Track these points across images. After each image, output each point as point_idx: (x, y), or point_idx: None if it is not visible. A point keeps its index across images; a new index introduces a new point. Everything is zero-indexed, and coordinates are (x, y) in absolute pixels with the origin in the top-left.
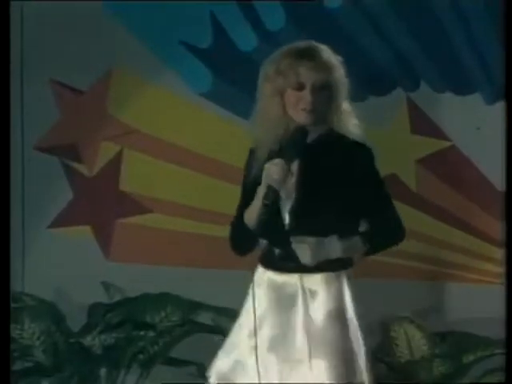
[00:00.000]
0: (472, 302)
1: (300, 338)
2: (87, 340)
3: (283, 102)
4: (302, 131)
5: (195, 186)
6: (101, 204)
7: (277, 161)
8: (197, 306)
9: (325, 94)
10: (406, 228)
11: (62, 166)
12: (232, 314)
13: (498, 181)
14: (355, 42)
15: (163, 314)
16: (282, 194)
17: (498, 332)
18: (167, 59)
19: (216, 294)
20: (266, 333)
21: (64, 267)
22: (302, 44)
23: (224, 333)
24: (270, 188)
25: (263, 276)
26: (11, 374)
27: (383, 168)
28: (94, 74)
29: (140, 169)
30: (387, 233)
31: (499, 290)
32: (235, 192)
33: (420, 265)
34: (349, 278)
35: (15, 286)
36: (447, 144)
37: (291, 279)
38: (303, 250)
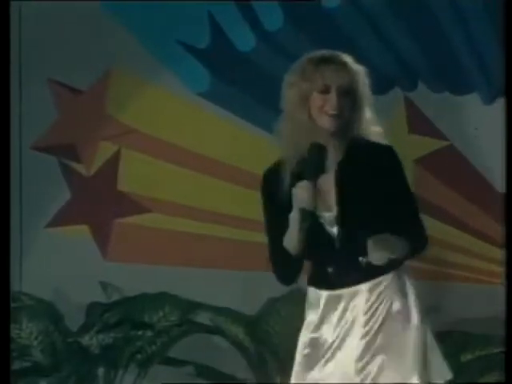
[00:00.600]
0: (470, 302)
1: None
2: (85, 340)
3: (309, 106)
4: (319, 147)
5: (193, 185)
6: (99, 204)
7: (302, 183)
8: (195, 306)
9: (349, 98)
10: None
11: (60, 166)
12: (230, 314)
13: (496, 180)
14: (353, 42)
15: (161, 314)
16: (323, 212)
17: (496, 331)
18: (165, 59)
19: (214, 293)
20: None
21: (62, 267)
22: (325, 51)
23: (222, 333)
24: (303, 211)
25: (318, 296)
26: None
27: None
28: (92, 74)
29: (138, 168)
30: (417, 241)
31: (498, 290)
32: (234, 191)
33: (418, 264)
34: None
35: (13, 285)
36: (445, 144)
37: (350, 292)
38: (376, 248)
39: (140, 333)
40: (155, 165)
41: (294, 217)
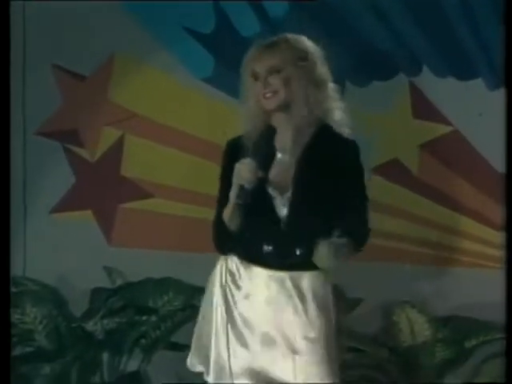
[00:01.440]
0: (474, 287)
1: (289, 335)
2: (89, 325)
3: (254, 92)
4: (268, 128)
5: (197, 170)
6: (103, 189)
7: (246, 160)
8: (199, 291)
9: (282, 76)
10: (409, 211)
11: (64, 151)
12: None
13: (500, 166)
14: (357, 28)
15: (165, 299)
16: (276, 190)
17: (500, 317)
18: (170, 44)
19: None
20: (257, 329)
21: (66, 252)
22: (267, 39)
23: None
24: (241, 188)
25: (240, 268)
26: (12, 359)
27: (385, 153)
28: (96, 60)
29: (142, 154)
30: (359, 236)
31: (501, 275)
32: None
33: (422, 249)
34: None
35: (17, 270)
36: (449, 129)
37: (279, 275)
38: (324, 255)
39: (144, 318)
40: (159, 150)
41: (232, 192)
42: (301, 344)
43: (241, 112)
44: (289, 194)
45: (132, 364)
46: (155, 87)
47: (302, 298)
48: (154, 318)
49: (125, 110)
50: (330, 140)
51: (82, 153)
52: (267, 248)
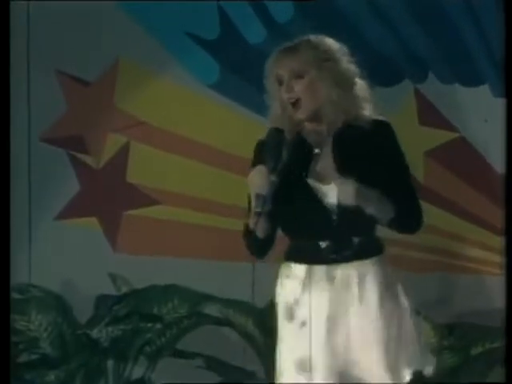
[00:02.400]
0: (480, 294)
1: (357, 326)
2: (94, 332)
3: (280, 98)
4: (274, 132)
5: (202, 177)
6: (108, 196)
7: (257, 167)
8: (204, 298)
9: (302, 82)
10: None
11: (68, 158)
12: (239, 306)
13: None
14: (363, 33)
15: (170, 306)
16: (319, 183)
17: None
18: (175, 51)
19: (224, 285)
20: (321, 324)
21: (71, 259)
22: (288, 43)
23: (231, 325)
24: (257, 196)
25: (299, 271)
26: (17, 366)
27: None
28: (100, 66)
29: (147, 160)
30: (410, 218)
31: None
32: (243, 183)
33: (428, 256)
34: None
35: (22, 277)
36: (455, 136)
37: (344, 269)
38: (346, 187)
39: (149, 325)
40: (164, 157)
41: (251, 201)
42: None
43: (270, 118)
44: (333, 184)
45: (137, 371)
46: (160, 93)
47: (365, 286)
48: (159, 326)
49: (130, 117)
50: (363, 123)
51: (87, 159)
52: (323, 244)
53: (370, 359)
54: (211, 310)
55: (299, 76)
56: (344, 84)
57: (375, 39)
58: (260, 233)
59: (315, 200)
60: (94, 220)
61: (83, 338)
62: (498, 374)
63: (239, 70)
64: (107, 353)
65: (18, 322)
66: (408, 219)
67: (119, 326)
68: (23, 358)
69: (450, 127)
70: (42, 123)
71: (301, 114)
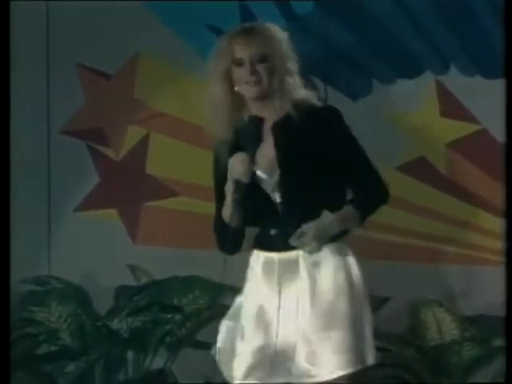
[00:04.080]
0: (502, 286)
1: (309, 313)
2: (114, 323)
3: (230, 79)
4: (254, 119)
5: None
6: (127, 187)
7: (238, 154)
8: (225, 289)
9: (266, 65)
10: (436, 210)
11: (88, 150)
12: None
13: None
14: (384, 25)
15: (191, 297)
16: (264, 176)
17: None
18: (195, 43)
19: (243, 276)
20: (274, 311)
21: (91, 250)
22: (245, 24)
23: None
24: (238, 182)
25: (259, 259)
26: (37, 357)
27: (412, 151)
28: (120, 58)
29: (166, 152)
30: (373, 196)
31: None
32: None
33: (449, 248)
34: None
35: (42, 269)
36: (477, 128)
37: (293, 256)
38: (305, 241)
39: (169, 316)
40: (184, 148)
41: (228, 188)
42: (318, 326)
43: (207, 96)
44: (277, 174)
45: (157, 362)
46: (180, 85)
47: (315, 274)
48: (179, 317)
49: (150, 109)
50: (306, 111)
51: (107, 151)
52: (273, 232)
53: (309, 347)
54: (231, 301)
55: (262, 60)
56: (290, 72)
57: (396, 31)
58: (234, 222)
59: (261, 189)
60: (113, 212)
61: (103, 329)
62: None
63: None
64: (127, 344)
65: (37, 313)
66: (371, 201)
67: (139, 317)
68: (43, 349)
69: (472, 119)
70: (61, 116)
71: (254, 94)
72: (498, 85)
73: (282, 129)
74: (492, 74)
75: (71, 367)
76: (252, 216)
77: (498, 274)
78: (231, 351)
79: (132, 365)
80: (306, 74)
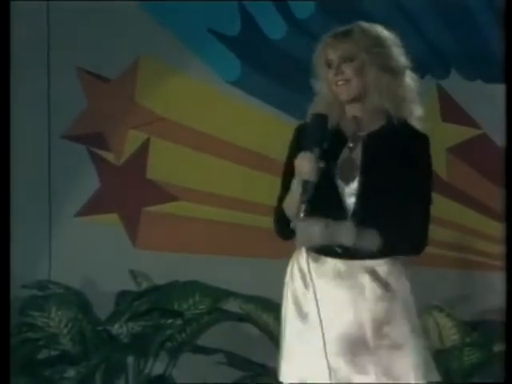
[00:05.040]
0: (503, 291)
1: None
2: (115, 328)
3: (328, 81)
4: (318, 118)
5: (223, 174)
6: (128, 192)
7: (304, 154)
8: (225, 294)
9: (352, 65)
10: (437, 215)
11: (89, 155)
12: (260, 302)
13: None
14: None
15: (191, 302)
16: (342, 181)
17: None
18: (195, 47)
19: (244, 281)
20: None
21: (91, 255)
22: (340, 28)
23: (252, 321)
24: (305, 183)
25: (310, 263)
26: (37, 362)
27: None
28: (121, 63)
29: (167, 157)
30: (406, 240)
31: None
32: (263, 180)
33: (450, 253)
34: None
35: (42, 274)
36: (478, 132)
37: (352, 265)
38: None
39: (170, 321)
40: (184, 153)
41: (295, 186)
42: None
43: (316, 100)
44: (355, 184)
45: (157, 367)
46: (181, 90)
47: (376, 286)
48: (179, 322)
49: (150, 113)
50: (400, 130)
51: (108, 156)
52: None
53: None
54: (232, 305)
55: (349, 59)
56: (393, 71)
57: (397, 35)
58: (291, 214)
59: (336, 195)
60: (114, 216)
61: (103, 334)
62: None
63: (260, 66)
64: (127, 349)
65: (38, 318)
66: (405, 244)
67: (140, 321)
68: (43, 354)
69: (473, 124)
70: (62, 120)
71: (346, 95)
72: (499, 89)
73: (375, 139)
74: (493, 78)
75: (71, 372)
76: (320, 214)
77: (498, 279)
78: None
79: (132, 370)
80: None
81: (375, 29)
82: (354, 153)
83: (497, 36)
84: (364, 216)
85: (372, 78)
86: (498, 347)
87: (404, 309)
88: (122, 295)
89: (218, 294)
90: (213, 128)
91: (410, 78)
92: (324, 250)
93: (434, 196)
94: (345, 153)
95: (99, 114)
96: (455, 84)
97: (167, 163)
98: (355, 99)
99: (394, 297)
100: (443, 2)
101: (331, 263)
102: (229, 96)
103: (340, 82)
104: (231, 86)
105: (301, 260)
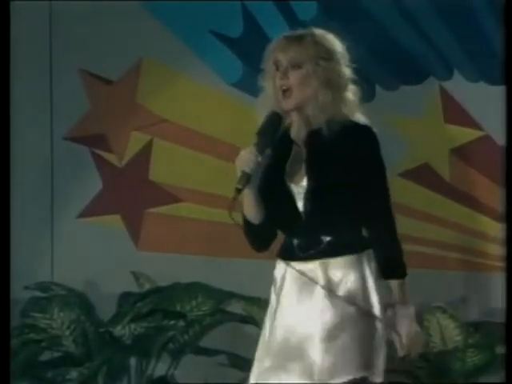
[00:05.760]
0: (506, 292)
1: (319, 325)
2: (117, 329)
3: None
4: (273, 116)
5: (225, 175)
6: (131, 194)
7: (249, 148)
8: (228, 296)
9: (298, 72)
10: (439, 216)
11: (91, 156)
12: (263, 304)
13: None
14: (388, 31)
15: (194, 304)
16: (292, 184)
17: None
18: (197, 49)
19: (246, 283)
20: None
21: (94, 256)
22: (296, 31)
23: (255, 322)
24: (242, 173)
25: (282, 269)
26: (40, 363)
27: (416, 157)
28: (123, 64)
29: (169, 159)
30: (382, 236)
31: None
32: None
33: (453, 254)
34: (371, 260)
35: (44, 275)
36: (480, 134)
37: (311, 266)
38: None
39: (172, 322)
40: (187, 155)
41: (239, 181)
42: (326, 332)
43: (258, 100)
44: (304, 184)
45: (160, 369)
46: (183, 92)
47: (331, 284)
48: (182, 323)
49: (153, 115)
50: (344, 126)
51: (110, 158)
52: (295, 241)
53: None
54: (235, 307)
55: (297, 66)
56: (334, 86)
57: (400, 37)
58: (252, 216)
59: (288, 197)
60: (116, 218)
61: (106, 335)
62: None
63: (263, 69)
64: (130, 350)
65: (40, 320)
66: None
67: (142, 323)
68: (46, 355)
69: (476, 125)
70: (65, 122)
71: (288, 104)
72: (502, 91)
73: (315, 140)
74: (496, 79)
75: (74, 374)
76: (276, 220)
77: (502, 279)
78: None
79: (135, 371)
80: None
81: (327, 39)
82: (299, 154)
83: (500, 37)
84: (315, 214)
85: (313, 89)
86: (501, 348)
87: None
88: (125, 297)
89: (221, 296)
90: (215, 129)
91: (351, 93)
92: (288, 255)
93: (437, 197)
94: (293, 155)
95: (101, 115)
96: (458, 85)
97: (169, 165)
98: (297, 110)
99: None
100: (446, 4)
101: (294, 266)
102: (231, 98)
103: (284, 87)
104: (233, 88)
105: (277, 265)
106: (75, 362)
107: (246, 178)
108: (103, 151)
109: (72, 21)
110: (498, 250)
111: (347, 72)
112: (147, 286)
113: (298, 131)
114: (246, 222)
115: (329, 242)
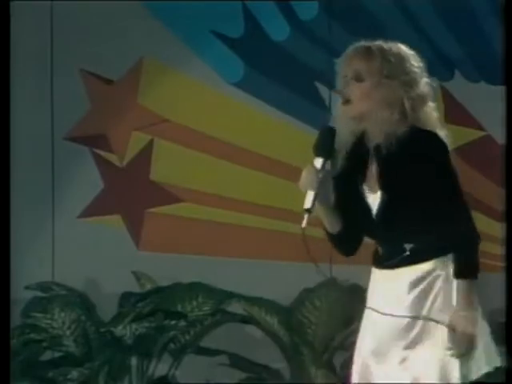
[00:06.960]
0: (505, 292)
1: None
2: (118, 329)
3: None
4: (326, 131)
5: (226, 175)
6: (131, 194)
7: (308, 167)
8: (229, 296)
9: (361, 86)
10: None
11: (92, 156)
12: (264, 304)
13: None
14: (388, 32)
15: (195, 304)
16: (369, 194)
17: None
18: (198, 49)
19: (247, 283)
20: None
21: (95, 257)
22: (362, 43)
23: (255, 322)
24: (307, 194)
25: (376, 275)
26: (40, 363)
27: None
28: (124, 64)
29: (170, 159)
30: (463, 239)
31: None
32: (266, 181)
33: None
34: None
35: (45, 275)
36: (482, 134)
37: (404, 272)
38: None
39: (173, 322)
40: (187, 155)
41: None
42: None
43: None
44: (378, 194)
45: (161, 369)
46: (184, 91)
47: (426, 289)
48: (183, 323)
49: (154, 115)
50: (410, 134)
51: (111, 158)
52: (380, 250)
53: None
54: (235, 307)
55: (360, 79)
56: (395, 104)
57: (400, 37)
58: (330, 228)
59: (365, 207)
60: (117, 218)
61: (107, 335)
62: None
63: (263, 68)
64: (131, 350)
65: (41, 319)
66: (465, 246)
67: (143, 323)
68: (46, 355)
69: (477, 126)
70: (65, 122)
71: (348, 113)
72: (502, 91)
73: (382, 151)
74: (497, 80)
75: (75, 374)
76: (357, 228)
77: (502, 280)
78: None
79: (136, 371)
80: (311, 79)
81: (395, 54)
82: (373, 163)
83: (499, 37)
84: (389, 223)
85: (371, 105)
86: (500, 348)
87: None
88: (126, 297)
89: (222, 296)
90: (215, 129)
91: (430, 109)
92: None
93: None
94: (370, 164)
95: (102, 115)
96: (459, 86)
97: (170, 165)
98: (361, 119)
99: None
100: (447, 5)
101: (382, 273)
102: (231, 98)
103: (343, 98)
104: (234, 88)
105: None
106: (76, 362)
107: (313, 198)
108: (104, 151)
109: (72, 21)
110: (498, 250)
111: (422, 87)
112: (148, 286)
113: (367, 141)
114: (327, 232)
115: (411, 249)
